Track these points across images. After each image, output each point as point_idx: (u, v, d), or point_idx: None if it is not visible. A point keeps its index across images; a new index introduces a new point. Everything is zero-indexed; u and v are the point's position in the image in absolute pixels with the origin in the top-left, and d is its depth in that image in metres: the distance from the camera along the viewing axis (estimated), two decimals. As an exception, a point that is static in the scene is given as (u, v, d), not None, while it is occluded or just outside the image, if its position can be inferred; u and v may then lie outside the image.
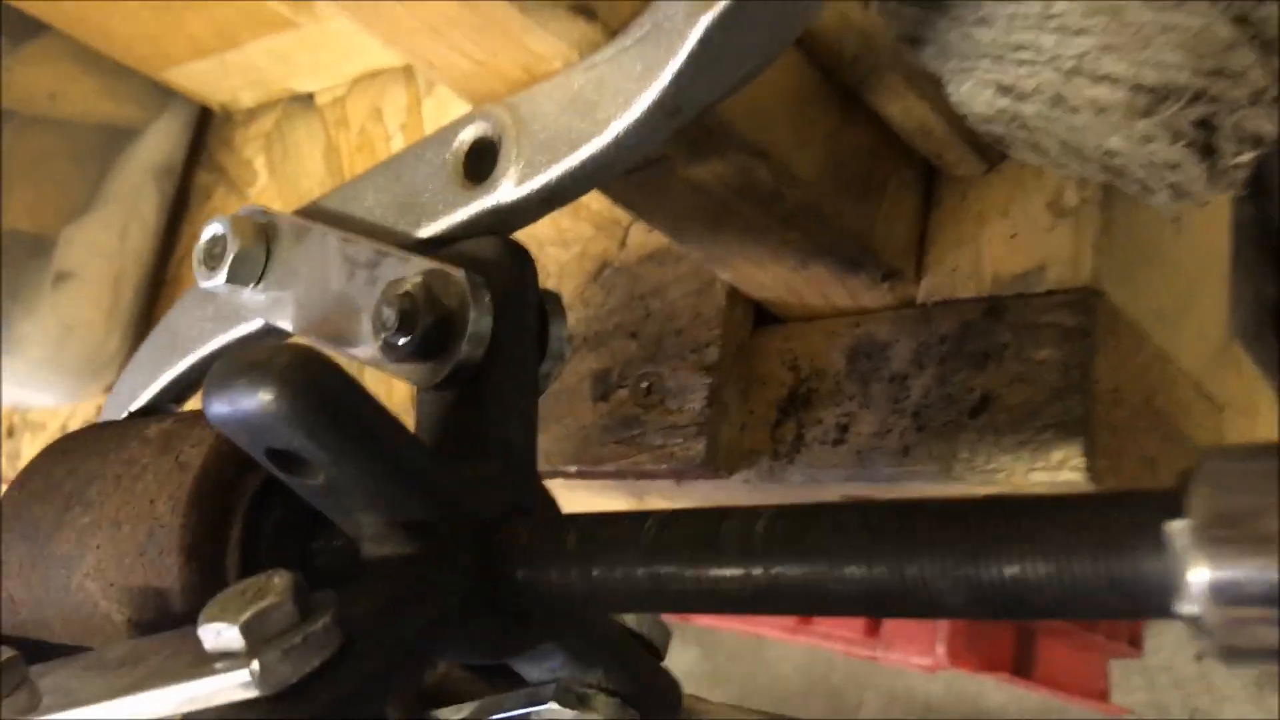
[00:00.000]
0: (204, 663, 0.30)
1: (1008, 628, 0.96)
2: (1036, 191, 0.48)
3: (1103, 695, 1.12)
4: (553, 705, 0.38)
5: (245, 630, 0.29)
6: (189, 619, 0.37)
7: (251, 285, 0.41)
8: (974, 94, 0.43)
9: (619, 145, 0.35)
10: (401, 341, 0.35)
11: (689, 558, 0.30)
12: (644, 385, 0.54)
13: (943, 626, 0.90)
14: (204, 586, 0.36)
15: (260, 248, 0.41)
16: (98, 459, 0.41)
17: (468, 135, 0.38)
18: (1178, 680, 1.37)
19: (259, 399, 0.30)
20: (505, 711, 0.40)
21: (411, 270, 0.37)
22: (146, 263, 0.82)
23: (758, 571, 0.29)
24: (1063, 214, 0.47)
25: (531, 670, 0.39)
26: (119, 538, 0.38)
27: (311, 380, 0.30)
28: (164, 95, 0.83)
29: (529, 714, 0.39)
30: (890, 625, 0.93)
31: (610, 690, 0.39)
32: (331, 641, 0.30)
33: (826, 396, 0.50)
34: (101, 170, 0.82)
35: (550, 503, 0.37)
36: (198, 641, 0.30)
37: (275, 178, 0.79)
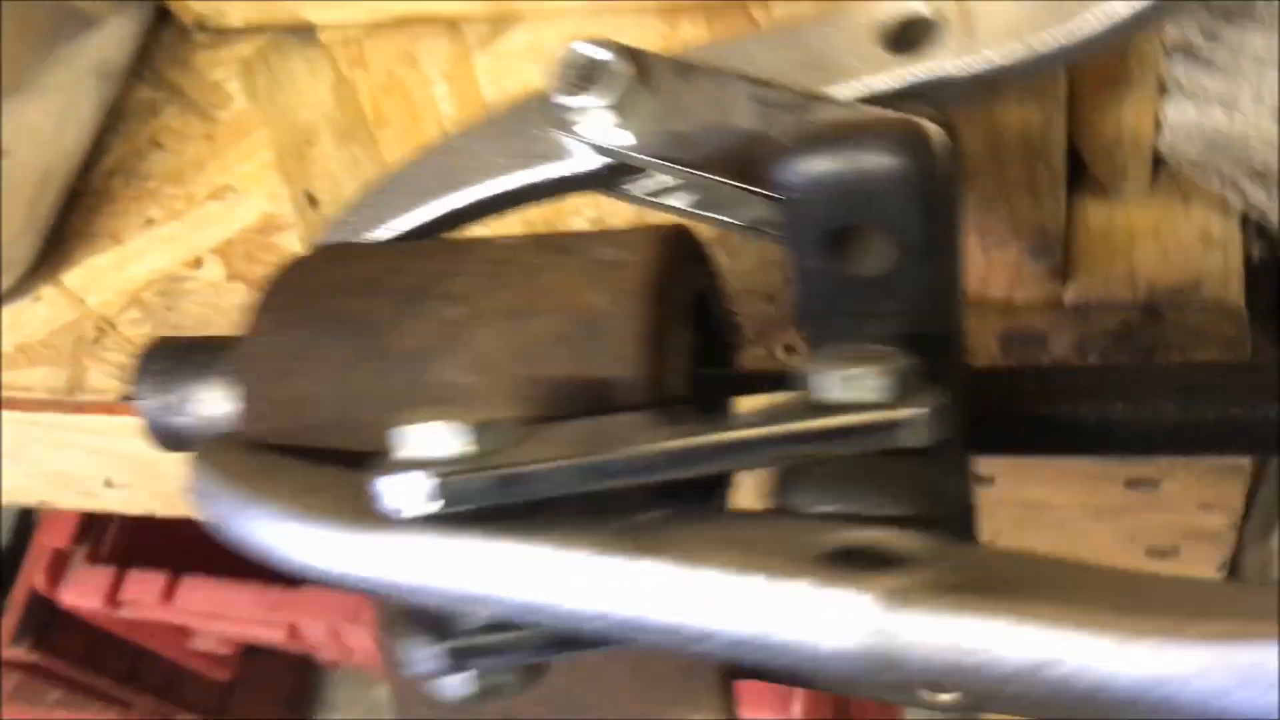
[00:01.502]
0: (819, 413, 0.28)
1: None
2: (1184, 220, 0.54)
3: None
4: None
5: (891, 386, 0.28)
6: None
7: (619, 114, 0.39)
8: (1206, 113, 0.49)
9: (1087, 41, 0.37)
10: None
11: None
12: (784, 344, 0.55)
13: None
14: (658, 384, 0.33)
15: (637, 79, 0.39)
16: (433, 260, 0.37)
17: (894, 11, 0.39)
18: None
19: (887, 161, 0.30)
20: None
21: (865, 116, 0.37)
22: (73, 167, 0.72)
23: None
24: (1211, 244, 0.54)
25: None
26: (522, 329, 0.34)
27: (939, 157, 0.30)
28: (129, -9, 0.74)
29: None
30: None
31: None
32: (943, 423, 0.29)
33: (980, 374, 0.53)
34: (46, 52, 0.72)
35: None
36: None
37: (260, 104, 0.73)
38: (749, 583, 0.24)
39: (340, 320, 0.36)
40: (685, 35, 0.66)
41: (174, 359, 0.41)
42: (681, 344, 0.34)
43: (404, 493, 0.27)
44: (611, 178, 0.41)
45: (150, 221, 0.71)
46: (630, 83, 0.39)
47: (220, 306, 0.66)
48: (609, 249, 0.35)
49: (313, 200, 0.68)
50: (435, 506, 0.27)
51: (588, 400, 0.33)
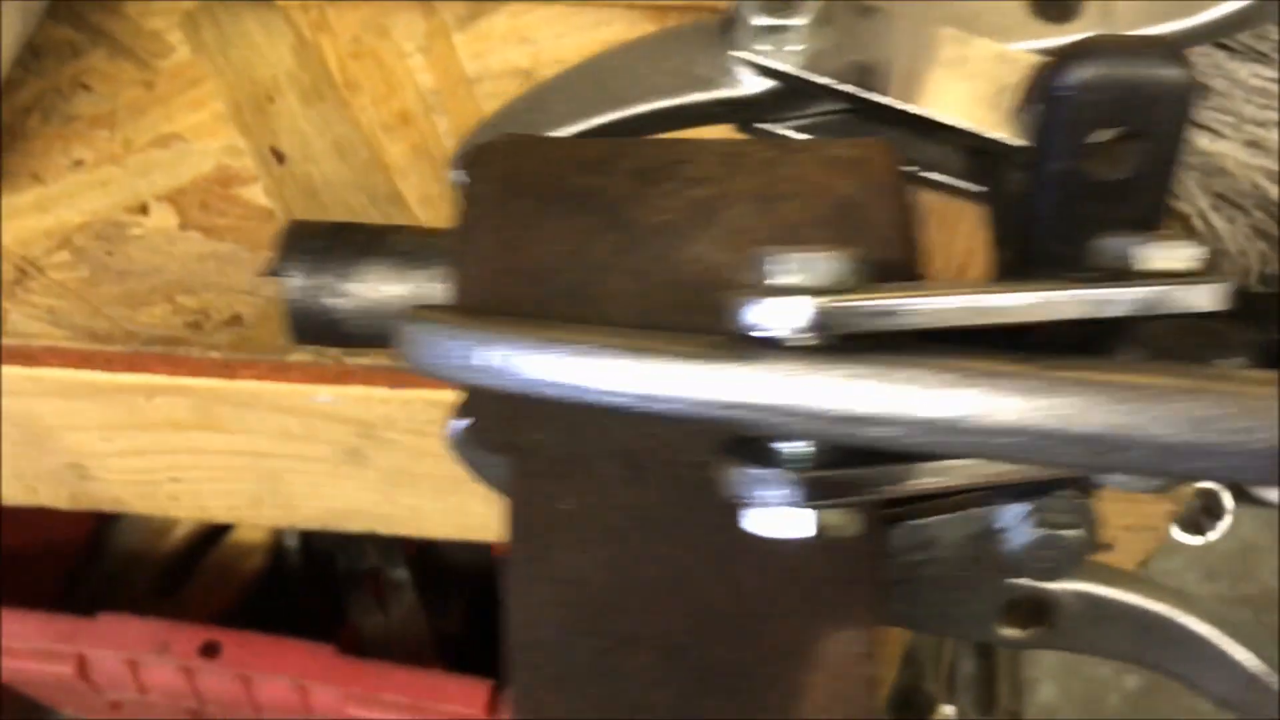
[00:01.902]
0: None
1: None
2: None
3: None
4: None
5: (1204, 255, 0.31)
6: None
7: (806, 38, 0.41)
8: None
9: (1195, 34, 0.42)
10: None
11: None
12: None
13: None
14: (917, 268, 0.34)
15: (823, 9, 0.41)
16: (655, 148, 0.37)
17: (1041, -15, 0.43)
18: None
19: (1169, 70, 0.33)
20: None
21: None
22: (-11, 95, 0.65)
23: None
24: (1170, 259, 0.60)
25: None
26: (774, 210, 0.35)
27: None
28: (65, -78, 0.69)
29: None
30: None
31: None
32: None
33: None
34: (-27, -32, 0.65)
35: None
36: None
37: (210, 57, 0.69)
38: (1170, 388, 0.26)
39: (573, 194, 0.35)
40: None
41: (328, 236, 0.38)
42: (918, 239, 0.36)
43: (785, 317, 0.27)
44: (769, 107, 0.42)
45: (79, 163, 0.65)
46: (819, 10, 0.40)
47: (175, 254, 0.62)
48: (839, 149, 0.36)
49: (280, 156, 0.64)
50: (816, 332, 0.27)
51: (853, 279, 0.34)
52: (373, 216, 0.63)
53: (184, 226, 0.62)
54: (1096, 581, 0.44)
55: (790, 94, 0.42)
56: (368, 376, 0.59)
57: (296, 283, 0.38)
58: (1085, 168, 0.34)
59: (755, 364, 0.27)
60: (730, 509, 0.31)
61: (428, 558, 1.29)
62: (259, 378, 0.58)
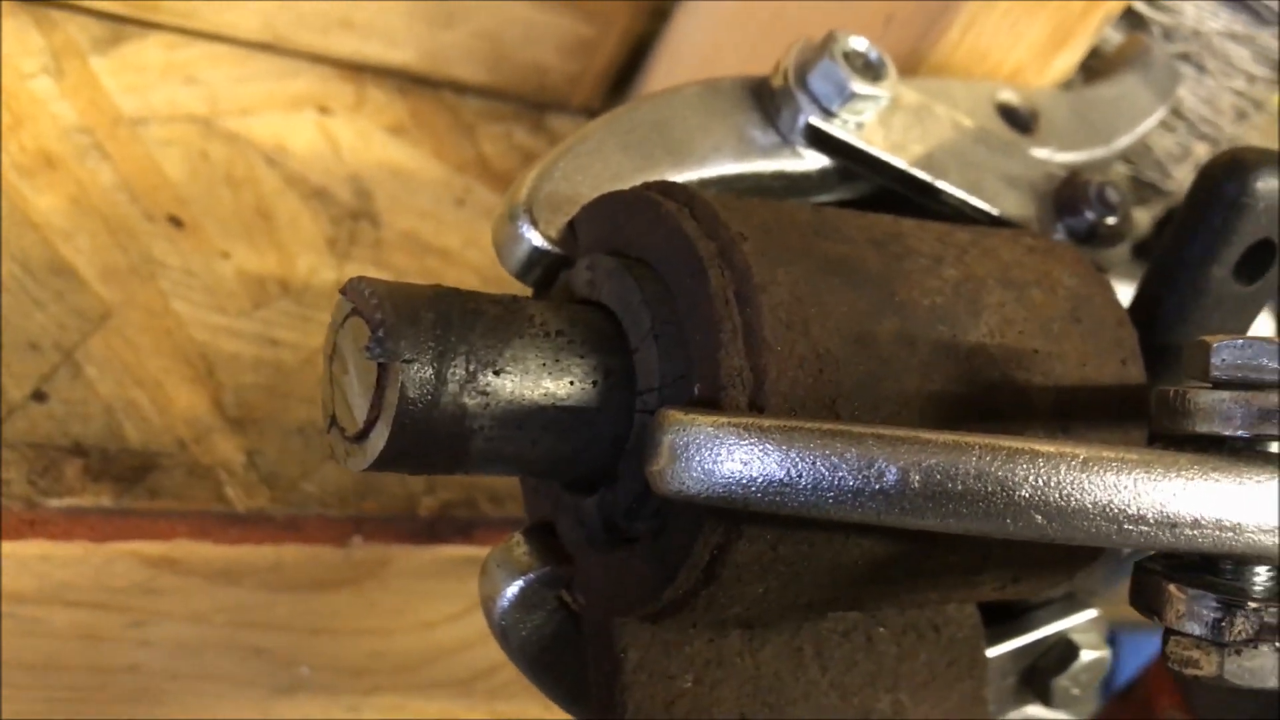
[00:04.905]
0: None
1: None
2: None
3: None
4: None
5: None
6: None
7: (882, 116, 0.36)
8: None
9: (1116, 156, 0.45)
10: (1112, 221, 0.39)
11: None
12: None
13: None
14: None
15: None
16: (853, 217, 0.30)
17: (1005, 95, 0.43)
18: None
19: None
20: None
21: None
22: None
23: None
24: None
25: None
26: (1028, 299, 0.30)
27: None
28: None
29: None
30: None
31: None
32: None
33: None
34: None
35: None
36: None
37: None
38: None
39: (835, 262, 0.27)
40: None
41: (443, 305, 0.25)
42: None
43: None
44: (814, 186, 0.37)
45: None
46: (895, 86, 0.36)
47: None
48: (1025, 238, 0.32)
49: None
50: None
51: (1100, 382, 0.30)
52: (31, 291, 0.44)
53: None
54: None
55: (834, 174, 0.37)
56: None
57: (421, 373, 0.24)
58: (1229, 272, 0.34)
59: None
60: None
61: None
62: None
